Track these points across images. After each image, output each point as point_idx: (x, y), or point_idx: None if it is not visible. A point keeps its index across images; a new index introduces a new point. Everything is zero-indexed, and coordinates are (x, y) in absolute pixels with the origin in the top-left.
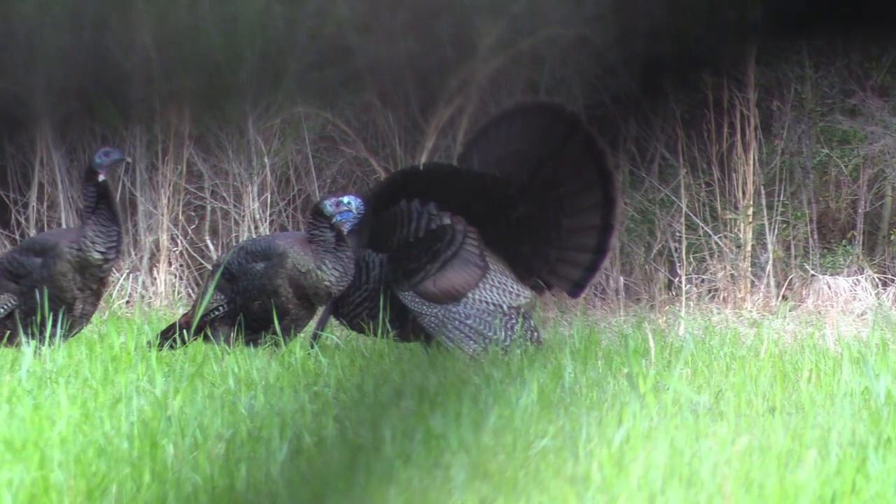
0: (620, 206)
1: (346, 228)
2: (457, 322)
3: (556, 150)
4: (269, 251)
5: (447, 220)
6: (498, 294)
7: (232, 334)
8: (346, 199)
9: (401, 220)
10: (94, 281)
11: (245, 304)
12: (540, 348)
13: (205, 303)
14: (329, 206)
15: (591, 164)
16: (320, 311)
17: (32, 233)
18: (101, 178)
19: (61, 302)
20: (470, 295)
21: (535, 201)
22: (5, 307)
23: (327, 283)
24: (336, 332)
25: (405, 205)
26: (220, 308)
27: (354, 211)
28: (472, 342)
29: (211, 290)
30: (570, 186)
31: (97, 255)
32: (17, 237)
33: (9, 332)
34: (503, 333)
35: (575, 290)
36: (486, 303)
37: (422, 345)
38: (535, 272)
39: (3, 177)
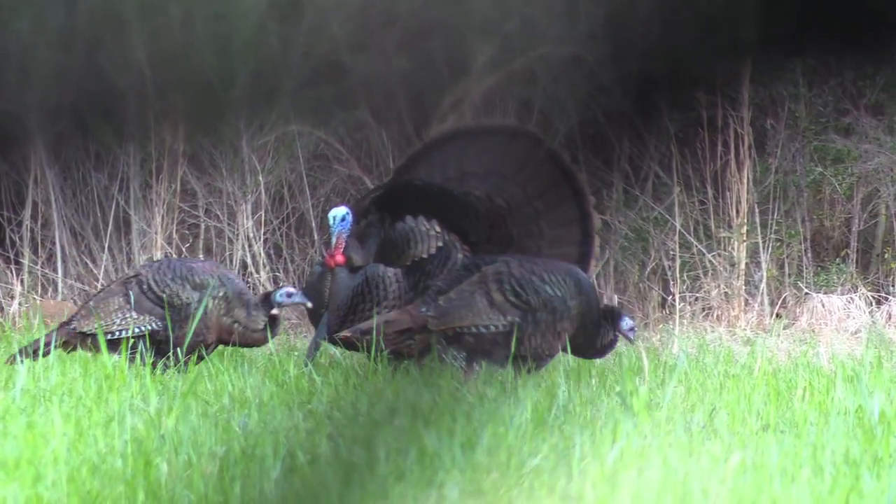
0: (596, 218)
1: (343, 238)
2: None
3: (520, 169)
4: (581, 280)
5: (447, 238)
6: None
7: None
8: (340, 212)
9: (413, 237)
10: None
11: (535, 332)
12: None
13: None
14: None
15: (562, 180)
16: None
17: (26, 252)
18: (275, 312)
19: (203, 339)
20: (407, 307)
21: (515, 218)
22: (143, 328)
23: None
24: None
25: (413, 221)
26: (493, 327)
27: (349, 221)
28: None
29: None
30: (543, 202)
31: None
32: (12, 256)
33: (130, 350)
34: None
35: None
36: (371, 321)
37: (415, 363)
38: None
39: None
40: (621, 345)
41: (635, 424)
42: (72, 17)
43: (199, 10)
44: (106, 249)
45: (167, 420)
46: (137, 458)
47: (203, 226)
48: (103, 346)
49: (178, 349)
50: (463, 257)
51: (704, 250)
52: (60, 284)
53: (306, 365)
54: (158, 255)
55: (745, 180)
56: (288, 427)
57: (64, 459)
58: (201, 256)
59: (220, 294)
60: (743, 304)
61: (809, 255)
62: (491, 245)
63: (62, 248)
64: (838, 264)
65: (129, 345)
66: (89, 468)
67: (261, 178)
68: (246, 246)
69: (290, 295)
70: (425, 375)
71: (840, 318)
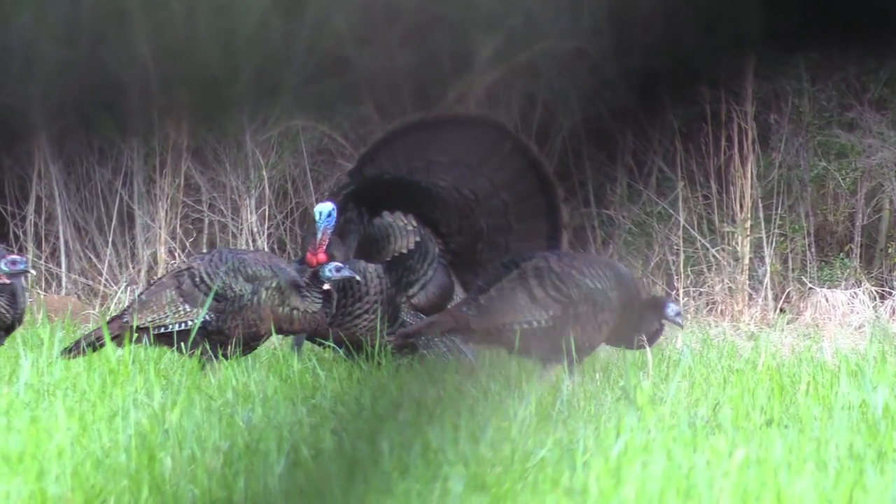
0: (564, 211)
1: (328, 234)
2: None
3: (486, 160)
4: (621, 272)
5: (423, 232)
6: None
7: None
8: (326, 208)
9: (392, 232)
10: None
11: (576, 325)
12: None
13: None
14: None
15: (529, 172)
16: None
17: (30, 247)
18: (327, 287)
19: (256, 330)
20: (449, 307)
21: (483, 209)
22: (195, 321)
23: None
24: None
25: (390, 217)
26: (535, 323)
27: (334, 217)
28: (451, 356)
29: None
30: (510, 194)
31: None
32: (15, 250)
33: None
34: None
35: None
36: (418, 322)
37: (409, 357)
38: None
39: (0, 190)
40: None
41: (639, 419)
42: (75, 10)
43: (203, 3)
44: (110, 244)
45: (171, 415)
46: (141, 453)
47: (207, 220)
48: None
49: (230, 341)
50: (439, 251)
51: (708, 245)
52: (64, 279)
53: (297, 349)
54: (162, 250)
55: (748, 175)
56: (292, 422)
57: (68, 454)
58: (204, 250)
59: (273, 284)
60: (747, 298)
61: (813, 249)
62: (461, 237)
63: (66, 242)
64: (842, 259)
65: (182, 338)
66: (93, 463)
67: (264, 173)
68: (250, 241)
69: (338, 269)
70: (429, 370)
71: (844, 312)
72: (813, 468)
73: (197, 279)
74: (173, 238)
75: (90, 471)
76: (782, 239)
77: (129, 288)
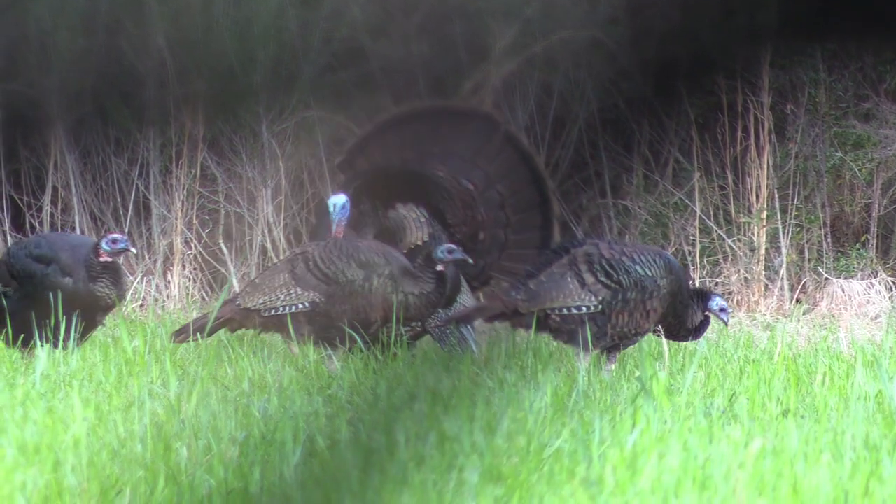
0: (555, 202)
1: (343, 227)
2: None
3: (479, 152)
4: (671, 261)
5: (434, 224)
6: (468, 299)
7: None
8: (341, 200)
9: (408, 224)
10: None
11: (623, 310)
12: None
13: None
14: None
15: (521, 163)
16: None
17: None
18: (440, 269)
19: (367, 317)
20: (458, 299)
21: (482, 200)
22: (308, 304)
23: None
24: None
25: (404, 209)
26: (584, 308)
27: (348, 209)
28: (459, 347)
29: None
30: (505, 186)
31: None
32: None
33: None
34: (472, 339)
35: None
36: (465, 307)
37: (410, 347)
38: (486, 269)
39: (17, 180)
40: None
41: (655, 409)
42: (93, 1)
43: None
44: (126, 234)
45: (187, 405)
46: (157, 443)
47: (223, 211)
48: (124, 333)
49: (337, 324)
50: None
51: (724, 235)
52: None
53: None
54: (178, 241)
55: (765, 165)
56: (308, 412)
57: (84, 444)
58: (221, 242)
59: (386, 272)
60: (763, 289)
61: (829, 240)
62: (465, 227)
63: (82, 233)
64: (858, 249)
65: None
66: (109, 453)
67: (281, 164)
68: (266, 231)
69: (451, 251)
70: (445, 360)
71: (860, 303)
72: (829, 459)
73: (311, 263)
74: (189, 228)
75: (106, 461)
76: (798, 229)
77: (145, 278)
